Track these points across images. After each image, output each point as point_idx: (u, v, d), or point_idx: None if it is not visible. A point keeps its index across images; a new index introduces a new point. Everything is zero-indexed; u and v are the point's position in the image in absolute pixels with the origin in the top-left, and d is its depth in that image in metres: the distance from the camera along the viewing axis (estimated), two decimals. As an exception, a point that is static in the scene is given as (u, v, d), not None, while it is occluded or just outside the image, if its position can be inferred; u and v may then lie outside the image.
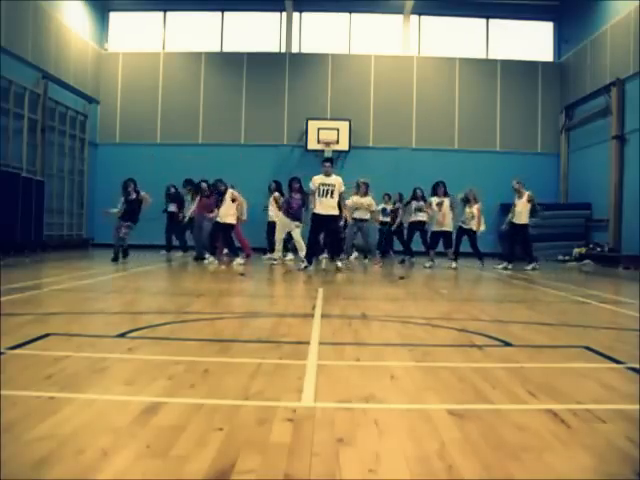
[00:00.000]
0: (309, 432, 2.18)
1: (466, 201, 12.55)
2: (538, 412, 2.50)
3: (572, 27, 18.17)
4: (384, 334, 4.49)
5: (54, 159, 15.68)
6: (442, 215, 12.17)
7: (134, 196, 11.48)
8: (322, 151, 17.76)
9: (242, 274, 9.33)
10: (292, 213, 11.61)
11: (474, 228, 12.46)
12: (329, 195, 10.09)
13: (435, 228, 12.40)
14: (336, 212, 10.27)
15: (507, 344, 4.00)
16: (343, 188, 10.40)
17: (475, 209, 12.44)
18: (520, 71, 18.76)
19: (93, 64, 18.23)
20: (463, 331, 4.53)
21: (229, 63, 18.83)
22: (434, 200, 12.26)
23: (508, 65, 18.78)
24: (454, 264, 12.06)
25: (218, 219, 11.23)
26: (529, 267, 12.05)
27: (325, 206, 10.10)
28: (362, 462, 1.92)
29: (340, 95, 18.50)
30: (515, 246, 12.74)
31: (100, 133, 18.71)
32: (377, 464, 1.91)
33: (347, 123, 17.85)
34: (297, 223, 11.71)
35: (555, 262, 15.88)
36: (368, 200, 12.25)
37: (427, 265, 12.06)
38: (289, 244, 12.89)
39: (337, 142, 17.73)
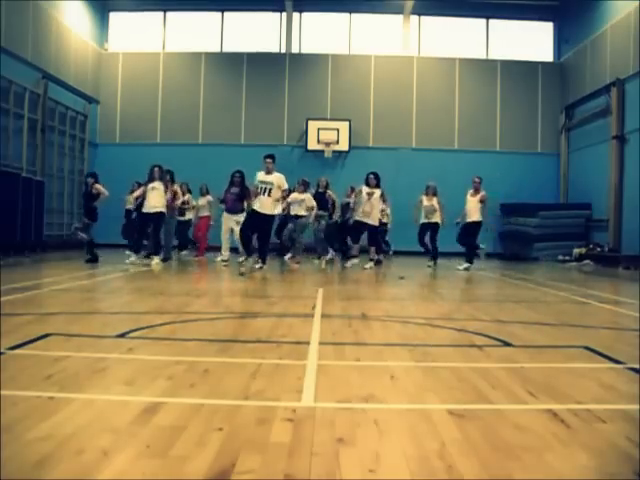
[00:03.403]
0: (309, 432, 2.17)
1: (429, 194, 12.18)
2: (538, 412, 2.50)
3: (572, 27, 18.18)
4: (384, 334, 4.49)
5: (54, 159, 15.68)
6: (370, 206, 11.13)
7: (88, 190, 10.97)
8: (322, 151, 17.79)
9: (242, 274, 9.33)
10: (228, 208, 11.23)
11: (438, 221, 12.08)
12: (266, 193, 9.85)
13: (359, 217, 11.27)
14: (270, 211, 9.98)
15: (507, 344, 4.00)
16: (286, 186, 10.22)
17: (435, 202, 12.10)
18: (520, 71, 18.76)
19: (93, 64, 18.23)
20: (463, 331, 4.53)
21: (229, 63, 18.84)
22: (364, 189, 11.19)
23: (508, 65, 18.78)
24: (370, 264, 11.20)
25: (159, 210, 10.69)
26: (463, 267, 11.65)
27: (262, 204, 9.85)
28: (362, 462, 1.92)
29: (340, 95, 18.51)
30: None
31: (100, 133, 18.72)
32: (377, 464, 1.91)
33: (347, 123, 17.86)
34: (236, 218, 11.10)
35: (555, 262, 15.88)
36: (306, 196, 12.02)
37: (364, 265, 11.15)
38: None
39: (337, 142, 17.75)
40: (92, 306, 5.76)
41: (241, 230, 10.16)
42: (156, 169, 10.93)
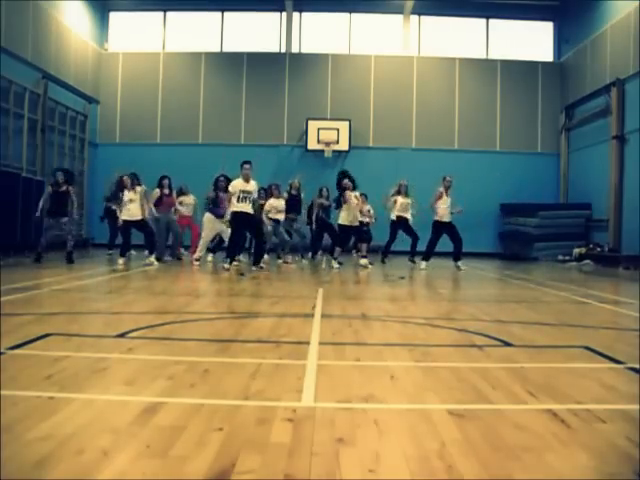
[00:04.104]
0: (309, 432, 2.17)
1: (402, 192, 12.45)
2: (538, 412, 2.50)
3: (572, 27, 18.18)
4: (384, 334, 4.49)
5: (54, 159, 15.67)
6: (358, 207, 11.52)
7: (64, 188, 10.82)
8: (322, 151, 17.79)
9: (242, 274, 9.33)
10: (219, 212, 11.24)
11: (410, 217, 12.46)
12: (247, 201, 9.94)
13: (348, 223, 11.27)
14: (251, 211, 10.12)
15: (507, 344, 4.00)
16: (256, 194, 10.52)
17: (410, 200, 12.48)
18: (520, 71, 18.77)
19: (93, 64, 18.23)
20: (463, 331, 4.53)
21: (229, 63, 18.84)
22: (352, 194, 11.23)
23: (508, 65, 18.78)
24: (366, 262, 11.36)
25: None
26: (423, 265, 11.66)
27: (244, 207, 9.93)
28: (362, 462, 1.92)
29: (340, 95, 18.51)
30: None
31: (100, 133, 18.72)
32: (377, 464, 1.91)
33: (347, 123, 17.87)
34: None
35: (555, 262, 15.88)
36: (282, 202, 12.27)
37: (336, 266, 11.13)
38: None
39: (337, 142, 17.75)
40: (92, 306, 5.76)
41: (236, 232, 10.19)
42: (124, 178, 11.15)
